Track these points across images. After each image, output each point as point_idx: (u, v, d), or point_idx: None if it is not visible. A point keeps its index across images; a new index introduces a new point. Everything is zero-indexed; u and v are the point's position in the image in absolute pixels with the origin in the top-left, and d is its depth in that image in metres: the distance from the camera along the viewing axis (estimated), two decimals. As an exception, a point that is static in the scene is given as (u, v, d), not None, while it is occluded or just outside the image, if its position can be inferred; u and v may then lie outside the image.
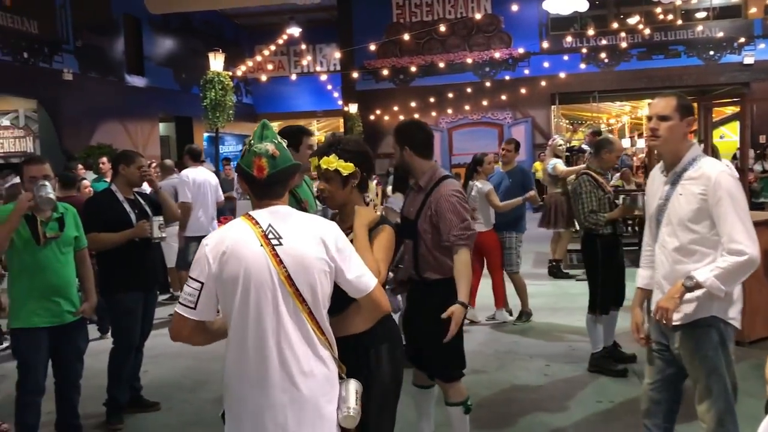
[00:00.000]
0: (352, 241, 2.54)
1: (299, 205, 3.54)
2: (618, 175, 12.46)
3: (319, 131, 24.13)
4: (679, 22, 19.39)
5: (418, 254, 3.55)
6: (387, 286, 3.62)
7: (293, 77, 20.54)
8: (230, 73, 12.96)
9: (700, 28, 19.17)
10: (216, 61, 12.46)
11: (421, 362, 3.75)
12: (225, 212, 10.46)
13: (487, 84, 19.94)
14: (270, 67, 21.52)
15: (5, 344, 6.41)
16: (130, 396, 4.91)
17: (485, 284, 7.10)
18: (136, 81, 16.92)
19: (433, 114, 20.28)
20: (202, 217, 7.95)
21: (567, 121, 24.03)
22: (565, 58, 19.67)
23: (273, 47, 18.07)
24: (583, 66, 19.72)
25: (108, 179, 7.31)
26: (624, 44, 18.42)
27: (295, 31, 17.93)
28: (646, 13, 18.50)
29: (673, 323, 2.88)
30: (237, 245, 2.21)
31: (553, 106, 20.64)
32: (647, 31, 18.17)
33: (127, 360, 4.76)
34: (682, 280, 2.80)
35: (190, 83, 18.35)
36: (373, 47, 17.62)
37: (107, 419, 4.71)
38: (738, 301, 2.91)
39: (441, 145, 20.10)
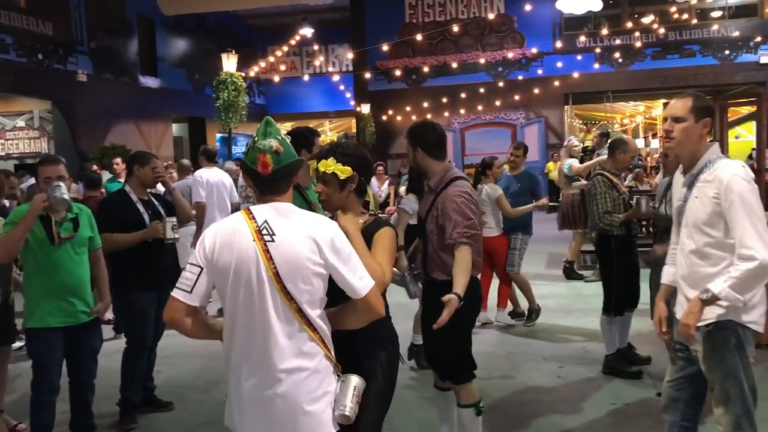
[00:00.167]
0: None
1: (309, 207, 3.52)
2: (631, 175, 12.38)
3: (331, 132, 24.18)
4: (695, 21, 19.25)
5: (427, 254, 3.62)
6: (406, 274, 3.66)
7: (306, 78, 20.59)
8: (243, 74, 13.02)
9: (715, 27, 19.01)
10: (229, 62, 12.51)
11: (434, 363, 3.76)
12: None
13: (500, 84, 19.89)
14: (282, 67, 21.62)
15: (20, 344, 6.45)
16: (144, 396, 4.92)
17: (493, 287, 7.07)
18: (150, 82, 17.01)
19: (446, 114, 20.25)
20: (218, 217, 7.95)
21: (580, 122, 23.93)
22: (579, 57, 19.58)
23: (285, 48, 18.11)
24: (596, 66, 19.62)
25: (122, 180, 7.35)
26: (638, 44, 18.31)
27: (307, 31, 17.99)
28: (660, 12, 18.41)
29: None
30: (231, 237, 2.27)
31: (566, 107, 20.56)
32: (662, 31, 18.06)
33: (140, 360, 4.78)
34: (698, 294, 2.78)
35: (203, 84, 18.44)
36: (385, 47, 17.62)
37: (121, 419, 4.73)
38: (760, 305, 2.86)
39: (453, 145, 20.07)
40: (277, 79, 19.21)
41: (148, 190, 4.96)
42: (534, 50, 19.84)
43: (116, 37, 15.64)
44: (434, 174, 3.64)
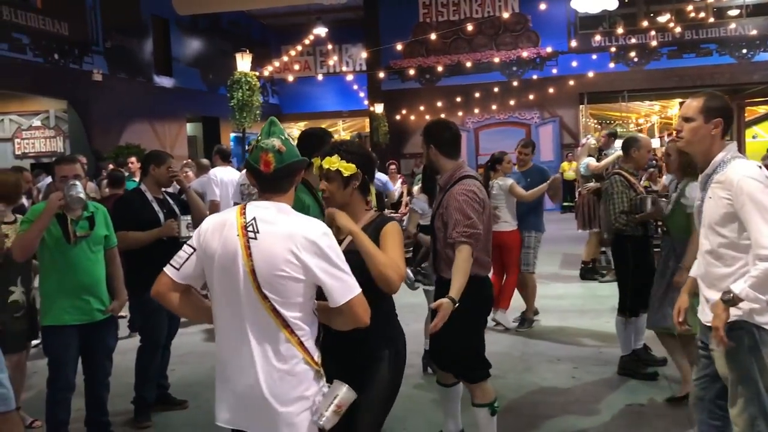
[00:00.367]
0: (340, 243, 2.51)
1: (321, 208, 3.52)
2: (645, 175, 12.28)
3: (344, 131, 24.20)
4: (711, 19, 19.08)
5: (435, 251, 3.66)
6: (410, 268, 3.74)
7: (319, 77, 20.60)
8: (257, 74, 13.03)
9: (732, 25, 18.84)
10: (243, 62, 12.53)
11: (445, 363, 3.75)
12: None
13: (515, 83, 19.81)
14: (296, 67, 21.66)
15: (36, 341, 6.50)
16: (158, 394, 4.95)
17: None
18: (164, 81, 17.10)
19: (460, 114, 20.21)
20: (233, 216, 8.00)
21: (595, 121, 23.80)
22: (594, 57, 19.47)
23: (299, 47, 18.15)
24: (612, 65, 19.50)
25: (137, 179, 7.39)
26: (654, 43, 18.17)
27: (321, 31, 17.99)
28: (676, 11, 18.27)
29: (708, 324, 2.86)
30: (221, 228, 2.33)
31: (581, 106, 20.46)
32: (678, 29, 17.92)
33: (154, 358, 4.80)
34: (720, 296, 2.77)
35: (217, 84, 18.52)
36: (399, 47, 17.59)
37: (135, 417, 4.75)
38: None
39: (467, 145, 20.03)
40: (291, 78, 19.24)
41: (163, 189, 4.99)
42: (549, 49, 19.75)
43: (131, 37, 15.73)
44: (446, 172, 3.67)
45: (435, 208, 3.72)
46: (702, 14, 18.66)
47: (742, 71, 18.97)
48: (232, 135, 19.40)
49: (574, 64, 19.23)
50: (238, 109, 12.38)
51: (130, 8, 15.59)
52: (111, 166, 9.86)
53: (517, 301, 6.96)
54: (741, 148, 6.79)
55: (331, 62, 22.60)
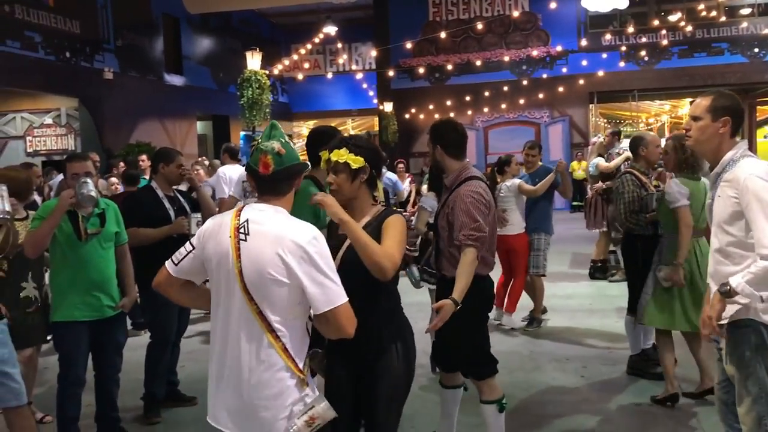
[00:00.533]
0: (342, 241, 2.52)
1: None
2: (654, 174, 12.23)
3: (354, 130, 24.19)
4: (723, 18, 18.96)
5: (438, 250, 3.68)
6: (412, 265, 3.78)
7: (329, 76, 20.62)
8: (267, 72, 13.05)
9: (744, 24, 18.70)
10: (253, 60, 12.55)
11: (449, 362, 3.77)
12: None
13: (524, 82, 19.76)
14: (306, 65, 21.66)
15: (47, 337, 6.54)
16: (168, 390, 4.97)
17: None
18: (175, 80, 17.16)
19: (469, 113, 20.18)
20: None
21: (605, 120, 23.69)
22: (604, 56, 19.38)
23: (309, 46, 18.15)
24: (622, 64, 19.41)
25: (147, 176, 7.43)
26: (665, 42, 18.07)
27: (331, 29, 18.00)
28: (687, 9, 18.15)
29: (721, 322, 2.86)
30: (218, 229, 2.37)
31: (591, 105, 20.38)
32: (689, 28, 17.81)
33: (164, 354, 4.82)
34: (718, 287, 2.79)
35: (227, 82, 18.58)
36: (409, 45, 17.55)
37: (145, 413, 4.78)
38: None
39: (477, 144, 20.01)
40: (300, 77, 19.26)
41: (174, 187, 5.02)
42: (559, 48, 19.68)
43: (142, 35, 15.80)
44: (451, 172, 3.69)
45: (440, 207, 3.73)
46: (713, 13, 18.53)
47: (753, 70, 18.83)
48: (242, 133, 19.45)
49: (584, 63, 19.16)
50: (248, 108, 12.40)
51: (141, 7, 15.65)
52: (122, 164, 9.90)
53: (524, 301, 6.96)
54: (752, 148, 6.75)
55: (340, 61, 22.62)
